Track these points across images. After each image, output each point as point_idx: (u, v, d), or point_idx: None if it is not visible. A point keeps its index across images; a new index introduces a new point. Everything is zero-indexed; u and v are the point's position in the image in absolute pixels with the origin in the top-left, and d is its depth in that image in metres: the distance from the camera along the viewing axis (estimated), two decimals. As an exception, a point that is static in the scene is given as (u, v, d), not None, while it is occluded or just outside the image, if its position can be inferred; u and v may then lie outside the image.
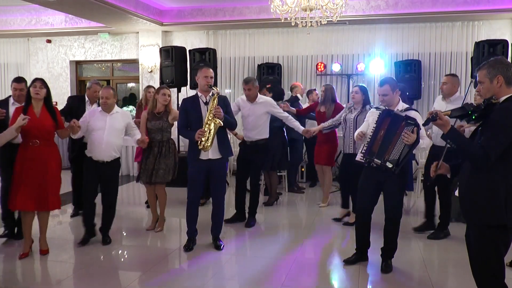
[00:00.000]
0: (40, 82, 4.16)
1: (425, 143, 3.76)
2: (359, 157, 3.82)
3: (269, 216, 5.75)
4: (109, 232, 4.64)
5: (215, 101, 4.18)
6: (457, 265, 3.98)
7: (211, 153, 4.24)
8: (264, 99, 5.35)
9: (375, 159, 3.64)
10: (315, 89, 7.60)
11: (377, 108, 3.94)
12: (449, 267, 4.07)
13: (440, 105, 4.80)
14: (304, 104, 7.37)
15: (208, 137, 4.13)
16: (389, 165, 3.57)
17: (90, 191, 4.60)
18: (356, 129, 4.54)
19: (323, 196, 6.26)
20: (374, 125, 3.74)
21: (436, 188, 4.80)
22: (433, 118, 2.51)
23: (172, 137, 5.12)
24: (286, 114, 5.45)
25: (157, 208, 5.16)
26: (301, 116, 6.56)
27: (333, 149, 5.99)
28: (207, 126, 4.14)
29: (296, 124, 5.45)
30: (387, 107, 3.80)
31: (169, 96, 4.98)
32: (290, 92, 7.71)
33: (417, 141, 3.52)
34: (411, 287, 3.63)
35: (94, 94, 5.37)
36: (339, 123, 5.37)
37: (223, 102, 4.34)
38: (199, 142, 4.13)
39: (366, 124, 3.98)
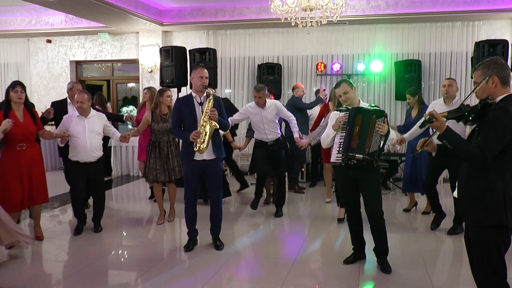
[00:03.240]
0: (21, 86, 4.27)
1: (392, 134, 3.84)
2: (334, 158, 3.85)
3: (269, 216, 5.76)
4: (109, 233, 4.70)
5: (211, 103, 4.16)
6: (457, 264, 3.99)
7: (205, 154, 4.23)
8: (271, 103, 5.60)
9: (357, 155, 3.68)
10: (324, 89, 7.61)
11: (338, 110, 3.97)
12: (449, 266, 4.07)
13: (441, 109, 4.74)
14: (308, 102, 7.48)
15: (204, 139, 4.12)
16: (370, 158, 3.63)
17: (81, 194, 4.90)
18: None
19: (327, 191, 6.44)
20: (345, 125, 3.81)
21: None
22: (429, 120, 2.51)
23: None
24: (291, 115, 5.67)
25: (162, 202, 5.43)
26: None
27: None
28: (202, 128, 4.12)
29: (295, 129, 5.63)
30: (349, 107, 3.85)
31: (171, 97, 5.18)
32: (292, 91, 7.72)
33: (389, 131, 3.65)
34: (411, 287, 3.64)
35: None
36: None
37: (218, 103, 4.32)
38: (194, 143, 4.13)
39: (330, 126, 3.96)
